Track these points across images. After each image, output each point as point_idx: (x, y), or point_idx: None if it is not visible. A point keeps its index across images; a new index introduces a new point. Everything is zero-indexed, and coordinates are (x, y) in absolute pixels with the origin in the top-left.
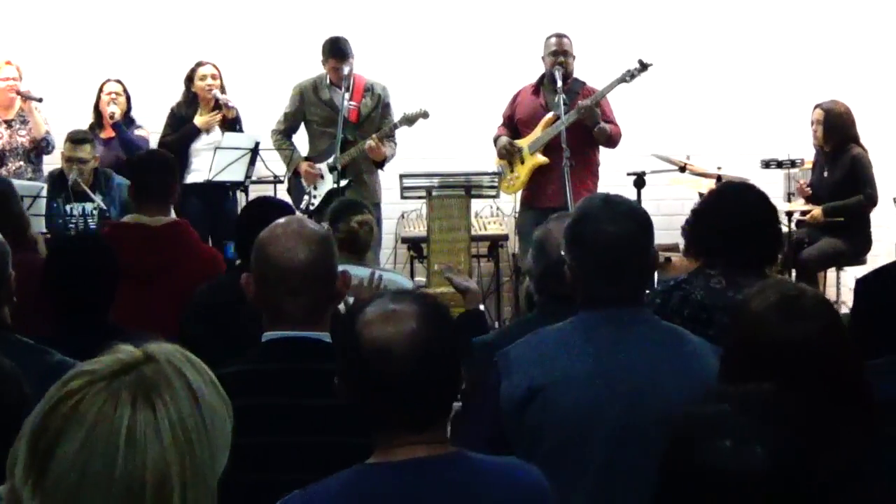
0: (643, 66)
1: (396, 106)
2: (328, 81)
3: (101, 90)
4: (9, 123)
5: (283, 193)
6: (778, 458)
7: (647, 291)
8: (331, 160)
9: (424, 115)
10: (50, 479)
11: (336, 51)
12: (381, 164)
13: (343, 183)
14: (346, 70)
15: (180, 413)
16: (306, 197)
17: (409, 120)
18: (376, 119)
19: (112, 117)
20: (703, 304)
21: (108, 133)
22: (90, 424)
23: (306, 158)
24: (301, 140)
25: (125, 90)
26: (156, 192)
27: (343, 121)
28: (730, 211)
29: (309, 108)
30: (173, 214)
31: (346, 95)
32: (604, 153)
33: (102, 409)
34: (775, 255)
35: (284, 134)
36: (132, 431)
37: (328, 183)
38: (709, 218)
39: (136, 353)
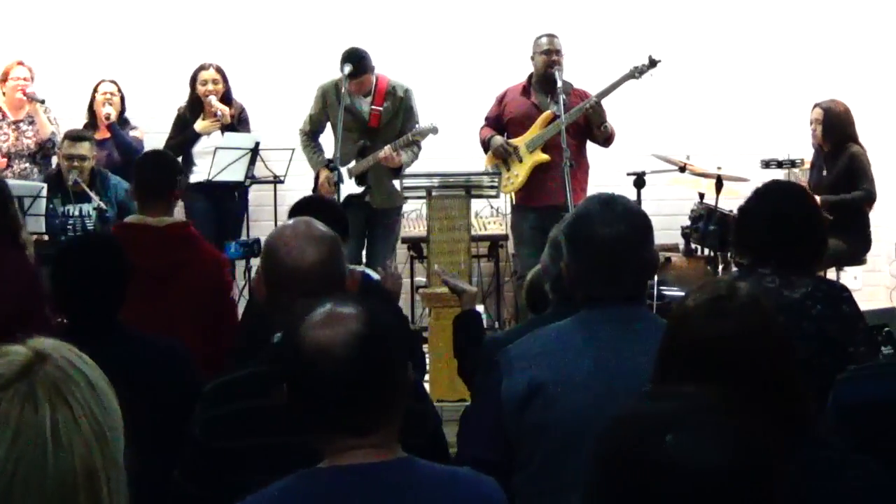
0: (652, 63)
1: None
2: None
3: (95, 91)
4: (17, 125)
5: (282, 193)
6: (734, 453)
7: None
8: (350, 165)
9: (434, 131)
10: None
11: (349, 70)
12: (397, 171)
13: (360, 189)
14: (361, 85)
15: (88, 404)
16: None
17: (421, 135)
18: (398, 124)
19: (108, 118)
20: None
21: (102, 134)
22: (14, 429)
23: (329, 161)
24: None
25: (120, 90)
26: (158, 192)
27: (363, 126)
28: (779, 209)
29: (331, 110)
30: (177, 215)
31: (368, 100)
32: (604, 153)
33: (24, 412)
34: (822, 253)
35: (310, 136)
36: (56, 430)
37: (348, 188)
38: (758, 216)
39: (30, 353)
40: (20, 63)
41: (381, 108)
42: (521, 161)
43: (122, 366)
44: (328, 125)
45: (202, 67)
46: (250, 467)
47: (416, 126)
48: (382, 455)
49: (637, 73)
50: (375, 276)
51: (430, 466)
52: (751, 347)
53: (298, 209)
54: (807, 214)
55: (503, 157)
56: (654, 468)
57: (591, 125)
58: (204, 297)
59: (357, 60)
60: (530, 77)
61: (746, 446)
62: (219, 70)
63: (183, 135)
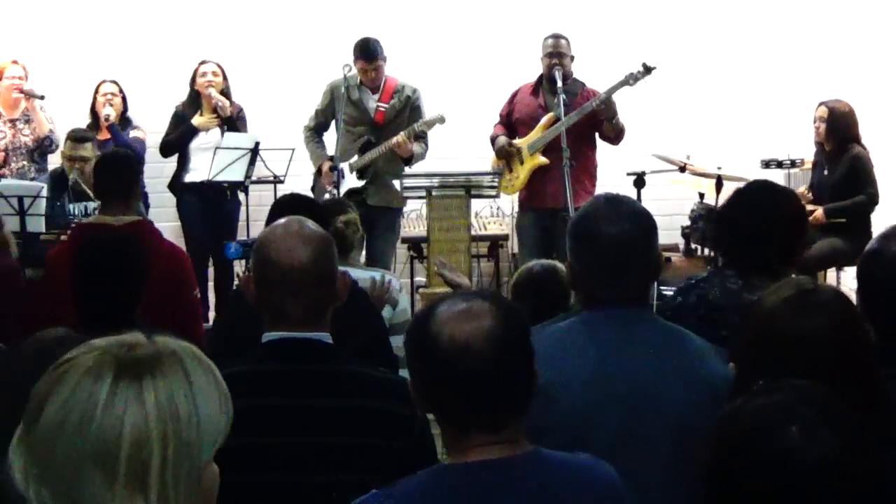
0: (647, 70)
1: None
2: (358, 81)
3: (96, 91)
4: (13, 122)
5: (282, 193)
6: (848, 446)
7: (667, 290)
8: (353, 160)
9: (441, 120)
10: (35, 435)
11: (364, 52)
12: (408, 161)
13: (360, 184)
14: (372, 72)
15: (170, 393)
16: (327, 196)
17: (428, 125)
18: (403, 122)
19: (107, 119)
20: (718, 303)
21: (104, 135)
22: (71, 388)
23: (331, 158)
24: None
25: (121, 90)
26: (118, 191)
27: (368, 121)
28: (747, 211)
29: (337, 105)
30: (171, 214)
31: (375, 97)
32: (604, 153)
33: (87, 374)
34: (793, 257)
35: (314, 131)
36: (112, 396)
37: (349, 182)
38: (727, 217)
39: (140, 338)
40: (14, 62)
41: (387, 105)
42: (522, 163)
43: None
44: (333, 122)
45: (203, 63)
46: (234, 466)
47: (423, 117)
48: (513, 449)
49: (632, 79)
50: (378, 275)
51: (557, 456)
52: (843, 341)
53: (278, 207)
54: (776, 217)
55: (506, 158)
56: (775, 458)
57: (597, 122)
58: (162, 291)
59: (372, 46)
60: (540, 77)
61: (858, 440)
62: (219, 66)
63: (181, 129)
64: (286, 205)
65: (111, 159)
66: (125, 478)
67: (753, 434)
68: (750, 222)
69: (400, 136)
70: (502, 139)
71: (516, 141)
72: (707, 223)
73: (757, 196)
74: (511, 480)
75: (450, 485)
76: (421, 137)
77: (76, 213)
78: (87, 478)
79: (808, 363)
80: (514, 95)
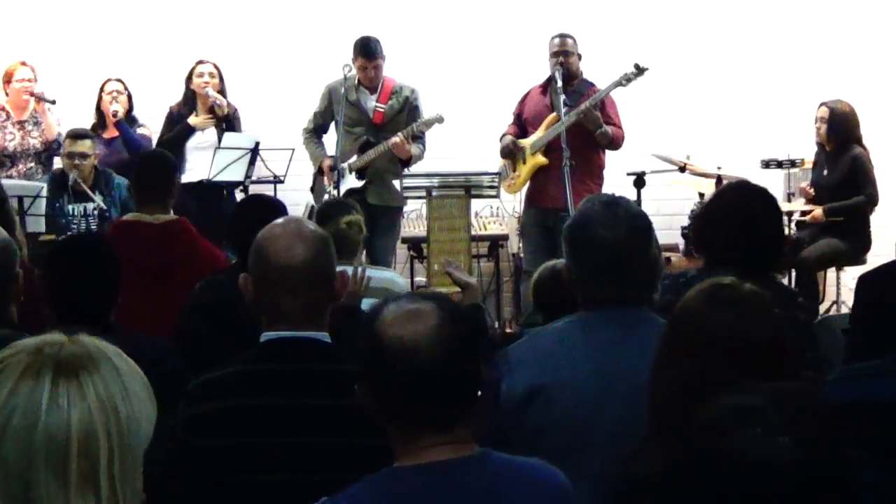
0: (639, 70)
1: None
2: (357, 82)
3: (102, 89)
4: (21, 125)
5: (282, 193)
6: (807, 451)
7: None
8: (352, 161)
9: (440, 120)
10: None
11: (363, 50)
12: (406, 163)
13: (360, 183)
14: (371, 71)
15: (106, 385)
16: (326, 196)
17: (426, 124)
18: (402, 122)
19: (115, 115)
20: None
21: (111, 133)
22: (10, 389)
23: (332, 157)
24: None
25: (126, 89)
26: (158, 190)
27: (367, 122)
28: (727, 211)
29: (336, 107)
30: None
31: (373, 97)
32: (606, 153)
33: (24, 374)
34: (777, 257)
35: (313, 132)
36: (55, 394)
37: (348, 182)
38: (709, 218)
39: (64, 337)
40: (23, 63)
41: (385, 106)
42: (524, 162)
43: None
44: (332, 124)
45: (199, 63)
46: (232, 466)
47: (421, 117)
48: (462, 450)
49: (624, 80)
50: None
51: (506, 459)
52: (751, 335)
53: (245, 207)
54: (771, 218)
55: (511, 157)
56: (734, 461)
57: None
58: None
59: (373, 44)
60: (550, 77)
61: (825, 444)
62: (215, 66)
63: (177, 129)
64: (251, 207)
65: (154, 157)
66: (77, 476)
67: (714, 435)
68: (733, 222)
69: (398, 137)
70: (507, 138)
71: (522, 140)
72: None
73: (737, 196)
74: (461, 482)
75: (400, 486)
76: (418, 138)
77: (76, 213)
78: (40, 479)
79: (720, 357)
80: (526, 95)
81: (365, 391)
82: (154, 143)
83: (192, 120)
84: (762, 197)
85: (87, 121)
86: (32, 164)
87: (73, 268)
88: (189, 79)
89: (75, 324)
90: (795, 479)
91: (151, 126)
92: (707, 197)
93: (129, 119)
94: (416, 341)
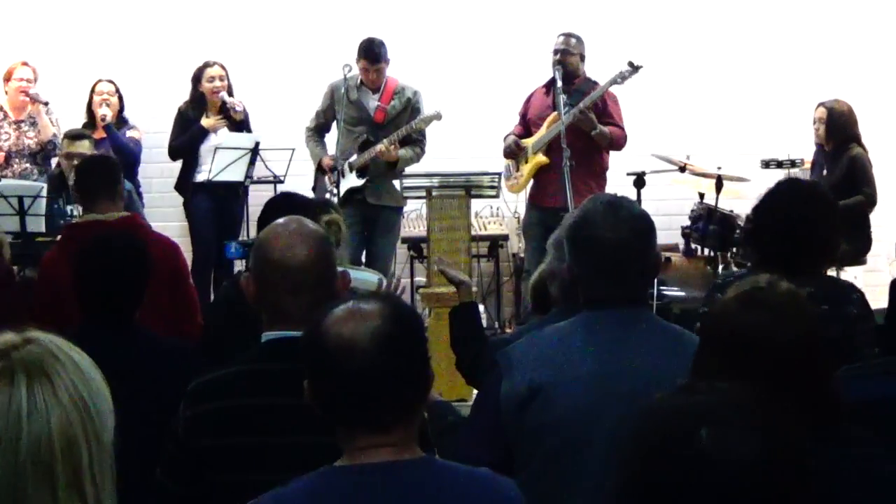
0: (634, 68)
1: None
2: (359, 82)
3: (92, 90)
4: (18, 124)
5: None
6: (764, 448)
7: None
8: (352, 159)
9: (438, 117)
10: None
11: (367, 52)
12: (393, 166)
13: (360, 182)
14: (374, 73)
15: (73, 381)
16: (327, 195)
17: (425, 122)
18: (403, 123)
19: (104, 119)
20: None
21: (100, 134)
22: None
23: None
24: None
25: (118, 90)
26: (102, 193)
27: (368, 121)
28: (793, 210)
29: (338, 106)
30: (180, 214)
31: (375, 97)
32: (610, 154)
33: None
34: (830, 253)
35: (316, 131)
36: (33, 399)
37: (349, 181)
38: (771, 216)
39: (19, 337)
40: (24, 63)
41: (387, 106)
42: (526, 162)
43: (133, 363)
44: (334, 123)
45: (206, 65)
46: (232, 466)
47: (420, 114)
48: (403, 453)
49: (619, 78)
50: (374, 277)
51: (450, 466)
52: (784, 340)
53: (273, 207)
54: (820, 215)
55: (513, 157)
56: (688, 461)
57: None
58: (159, 282)
59: (377, 48)
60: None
61: (777, 441)
62: (223, 68)
63: (191, 132)
64: (281, 205)
65: (90, 164)
66: (63, 480)
67: (666, 435)
68: (801, 222)
69: (381, 145)
70: (510, 138)
71: (524, 140)
72: (716, 225)
73: (803, 194)
74: (397, 485)
75: (335, 486)
76: (418, 141)
77: (75, 213)
78: (28, 486)
79: (751, 360)
80: (531, 95)
81: (309, 389)
82: (159, 144)
83: (205, 122)
84: (809, 193)
85: (79, 120)
86: (27, 165)
87: (103, 264)
88: (198, 80)
89: (101, 321)
90: (753, 476)
91: (150, 125)
92: (759, 196)
93: (120, 120)
94: (353, 339)
